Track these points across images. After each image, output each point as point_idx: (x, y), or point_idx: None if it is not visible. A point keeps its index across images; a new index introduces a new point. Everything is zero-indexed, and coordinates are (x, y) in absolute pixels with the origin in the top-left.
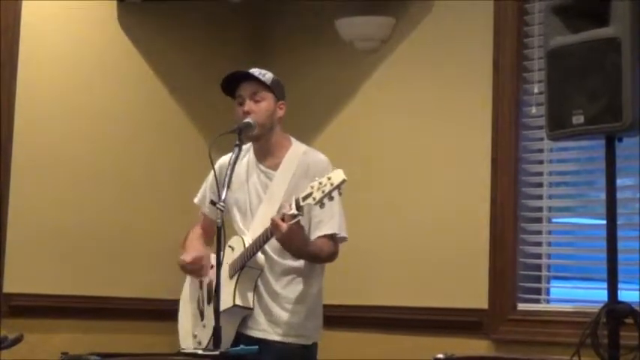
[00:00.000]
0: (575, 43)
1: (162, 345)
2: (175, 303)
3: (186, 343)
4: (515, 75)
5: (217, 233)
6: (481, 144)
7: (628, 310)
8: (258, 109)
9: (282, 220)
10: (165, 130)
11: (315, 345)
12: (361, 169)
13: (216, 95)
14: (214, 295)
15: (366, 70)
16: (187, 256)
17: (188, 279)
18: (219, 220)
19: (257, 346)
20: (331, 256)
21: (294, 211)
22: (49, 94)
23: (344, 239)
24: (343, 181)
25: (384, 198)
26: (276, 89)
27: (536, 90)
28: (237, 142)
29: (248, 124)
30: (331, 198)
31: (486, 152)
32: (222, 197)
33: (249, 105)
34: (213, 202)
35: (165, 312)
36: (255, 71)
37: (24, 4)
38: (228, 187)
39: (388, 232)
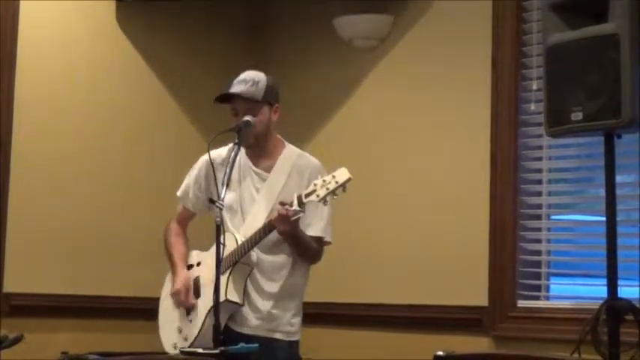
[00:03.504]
0: (574, 39)
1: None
2: None
3: (170, 339)
4: (514, 72)
5: (217, 231)
6: (480, 141)
7: (628, 306)
8: (256, 123)
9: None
10: (163, 129)
11: (298, 342)
12: (360, 167)
13: (215, 94)
14: (214, 292)
15: (364, 68)
16: (175, 285)
17: (169, 275)
18: (217, 219)
19: (257, 345)
20: (317, 255)
21: (296, 207)
22: (48, 93)
23: (328, 243)
24: (349, 180)
25: (382, 195)
26: (270, 97)
27: (535, 87)
28: (237, 141)
29: (247, 123)
30: (335, 195)
31: (485, 149)
32: (222, 196)
33: None
34: (212, 201)
35: None
36: (248, 81)
37: (22, 4)
38: (228, 185)
39: (387, 230)
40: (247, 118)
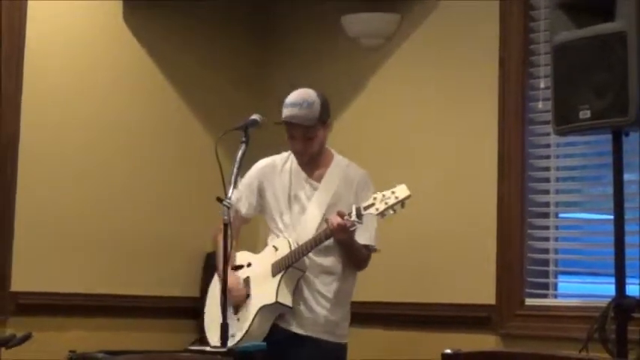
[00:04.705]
0: (581, 37)
1: (173, 342)
2: (185, 300)
3: (217, 337)
4: (522, 70)
5: (224, 230)
6: (488, 139)
7: (636, 304)
8: (312, 145)
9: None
10: (171, 127)
11: (347, 345)
12: (366, 165)
13: (222, 92)
14: (221, 292)
15: (371, 66)
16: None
17: (217, 275)
18: (225, 217)
19: (265, 343)
20: (365, 261)
21: (355, 218)
22: (55, 92)
23: (375, 250)
24: (408, 197)
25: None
26: (324, 116)
27: (542, 85)
28: (244, 139)
29: (255, 121)
30: (393, 211)
31: (493, 148)
32: (230, 194)
33: (301, 146)
34: (219, 199)
35: (174, 309)
36: (302, 103)
37: (29, 4)
38: (235, 185)
39: (395, 228)
40: (254, 117)
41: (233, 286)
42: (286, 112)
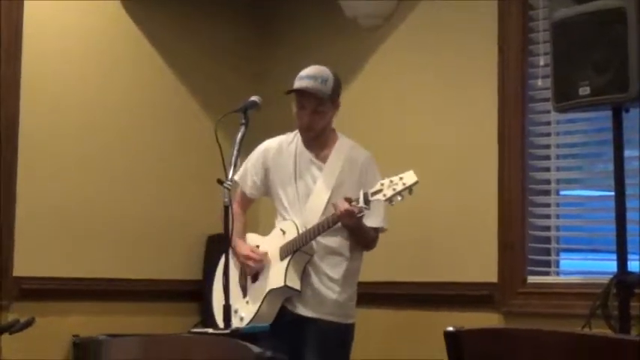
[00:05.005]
0: (580, 14)
1: (176, 325)
2: (187, 283)
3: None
4: (521, 48)
5: (225, 212)
6: (488, 117)
7: (637, 280)
8: (320, 119)
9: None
10: (171, 113)
11: (354, 325)
12: (366, 146)
13: (221, 77)
14: (223, 274)
15: (370, 46)
16: (243, 250)
17: (223, 257)
18: (226, 200)
19: (268, 325)
20: (373, 242)
21: (362, 204)
22: (55, 79)
23: (384, 230)
24: (416, 182)
25: (390, 173)
26: (335, 94)
27: (541, 62)
28: (243, 121)
29: (254, 103)
30: (401, 196)
31: (493, 126)
32: (230, 176)
33: (311, 119)
34: (220, 181)
35: (177, 292)
36: (317, 77)
37: None
38: (235, 166)
39: (398, 208)
40: (254, 98)
41: (250, 254)
42: (301, 82)
